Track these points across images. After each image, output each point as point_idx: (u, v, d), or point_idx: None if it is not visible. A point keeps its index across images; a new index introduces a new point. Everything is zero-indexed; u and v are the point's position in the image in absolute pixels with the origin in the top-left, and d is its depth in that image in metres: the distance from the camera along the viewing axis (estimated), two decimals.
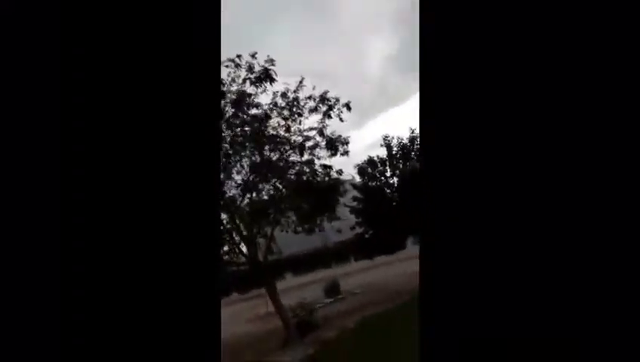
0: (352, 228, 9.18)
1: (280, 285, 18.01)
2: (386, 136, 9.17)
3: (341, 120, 6.41)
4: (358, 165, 9.11)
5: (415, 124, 9.13)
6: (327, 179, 6.91)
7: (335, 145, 6.53)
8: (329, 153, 6.57)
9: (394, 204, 9.22)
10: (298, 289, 15.63)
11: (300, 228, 7.49)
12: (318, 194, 6.84)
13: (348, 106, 6.39)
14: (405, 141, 9.13)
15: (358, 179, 9.40)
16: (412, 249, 18.44)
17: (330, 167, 6.70)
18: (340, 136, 6.60)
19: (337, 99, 6.32)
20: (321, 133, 6.50)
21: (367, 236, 9.06)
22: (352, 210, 8.97)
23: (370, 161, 9.13)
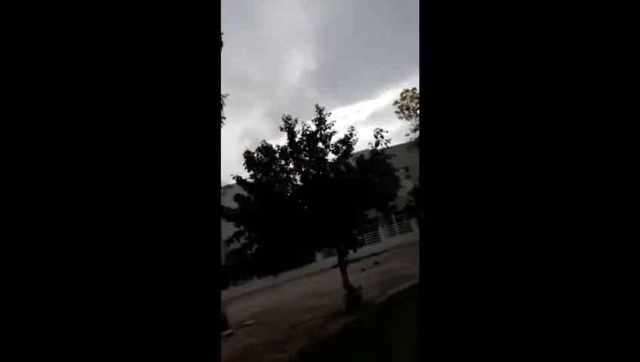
0: (229, 241, 6.40)
1: None
2: (288, 118, 6.90)
3: None
4: (247, 152, 6.54)
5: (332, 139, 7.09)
6: None
7: None
8: None
9: (298, 208, 6.94)
10: None
11: None
12: None
13: None
14: (312, 127, 7.01)
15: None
16: (322, 262, 16.97)
17: None
18: None
19: None
20: None
21: (250, 252, 6.37)
22: (227, 215, 6.21)
23: (266, 148, 6.67)
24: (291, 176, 6.88)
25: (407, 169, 17.79)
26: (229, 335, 7.99)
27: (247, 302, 13.08)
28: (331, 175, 6.91)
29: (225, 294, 16.06)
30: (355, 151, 7.28)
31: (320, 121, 6.85)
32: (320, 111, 6.87)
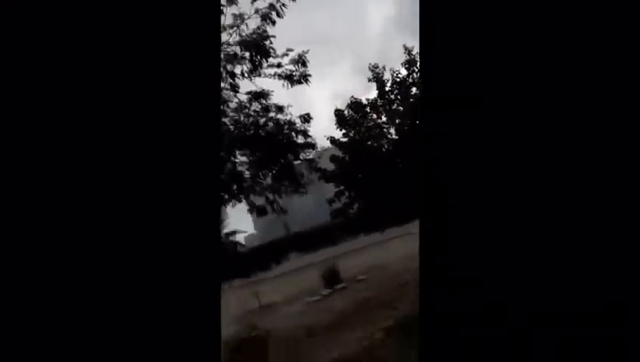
0: (331, 201, 6.49)
1: (280, 269, 16.37)
2: (375, 67, 6.33)
3: (279, 14, 3.70)
4: (337, 110, 6.33)
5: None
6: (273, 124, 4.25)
7: (263, 49, 3.76)
8: (255, 68, 3.85)
9: (395, 163, 6.53)
10: (301, 273, 13.69)
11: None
12: (264, 147, 4.24)
13: None
14: (402, 73, 6.27)
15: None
16: None
17: (263, 94, 3.99)
18: (268, 36, 3.81)
19: None
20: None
21: (352, 211, 6.37)
22: (325, 176, 6.25)
23: (355, 104, 6.33)
24: (384, 129, 6.44)
25: None
26: (343, 288, 8.50)
27: (354, 258, 13.63)
28: None
29: (333, 251, 17.10)
30: None
31: (410, 64, 6.07)
32: (409, 51, 6.06)
